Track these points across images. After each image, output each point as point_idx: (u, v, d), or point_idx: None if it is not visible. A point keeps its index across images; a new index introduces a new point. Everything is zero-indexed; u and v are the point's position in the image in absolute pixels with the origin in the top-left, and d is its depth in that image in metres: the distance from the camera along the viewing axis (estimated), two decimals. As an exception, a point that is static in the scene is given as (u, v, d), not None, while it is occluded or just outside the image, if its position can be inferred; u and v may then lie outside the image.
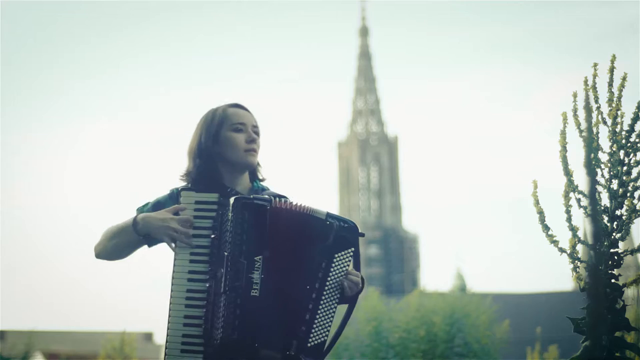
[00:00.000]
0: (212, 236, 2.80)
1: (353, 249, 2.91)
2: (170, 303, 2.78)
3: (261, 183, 3.12)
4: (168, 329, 2.76)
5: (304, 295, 2.82)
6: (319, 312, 2.83)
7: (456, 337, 12.68)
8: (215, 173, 3.00)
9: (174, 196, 2.97)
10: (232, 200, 2.79)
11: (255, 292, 2.72)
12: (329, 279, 2.86)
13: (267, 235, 2.77)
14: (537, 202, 3.07)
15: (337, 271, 2.87)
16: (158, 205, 2.98)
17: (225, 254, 2.74)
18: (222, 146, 3.00)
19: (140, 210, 2.98)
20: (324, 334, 2.84)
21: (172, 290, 2.79)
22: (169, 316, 2.78)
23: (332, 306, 2.87)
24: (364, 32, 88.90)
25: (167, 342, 2.76)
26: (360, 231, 2.92)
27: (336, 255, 2.88)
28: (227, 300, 2.71)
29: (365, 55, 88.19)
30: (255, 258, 2.74)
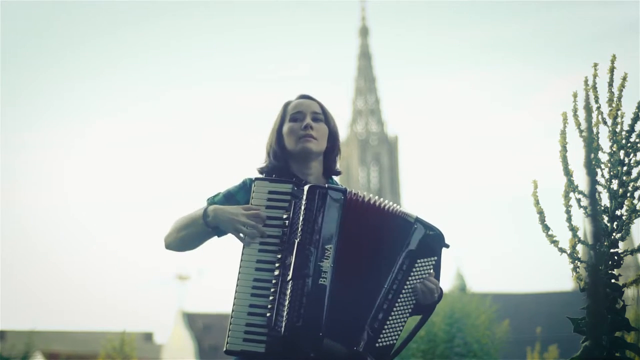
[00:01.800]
0: (285, 227, 2.74)
1: (436, 258, 2.88)
2: (236, 292, 2.71)
3: (337, 181, 3.08)
4: (232, 317, 2.70)
5: (379, 293, 2.77)
6: (392, 313, 2.79)
7: (456, 337, 12.68)
8: (285, 168, 2.97)
9: (246, 187, 2.92)
10: (306, 188, 2.74)
11: (324, 281, 2.66)
12: (407, 282, 2.82)
13: (340, 225, 2.71)
14: (537, 202, 3.07)
15: (417, 277, 2.83)
16: (229, 195, 2.93)
17: (296, 241, 2.69)
18: (285, 139, 2.98)
19: (211, 200, 2.93)
20: (393, 337, 2.80)
21: (238, 279, 2.73)
22: (233, 304, 2.71)
23: (407, 311, 2.83)
24: (364, 32, 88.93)
25: (229, 330, 2.69)
26: (446, 242, 2.88)
27: (418, 261, 2.84)
28: (293, 287, 2.65)
29: (365, 55, 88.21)
30: (326, 247, 2.68)
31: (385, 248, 2.80)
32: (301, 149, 2.94)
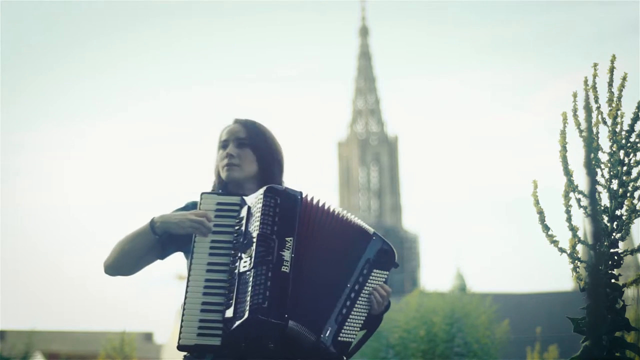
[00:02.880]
0: (235, 233, 2.79)
1: (387, 273, 2.96)
2: (187, 292, 2.73)
3: None
4: (183, 315, 2.71)
5: (343, 290, 2.84)
6: (354, 311, 2.85)
7: (456, 337, 12.69)
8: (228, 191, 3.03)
9: (188, 207, 2.97)
10: (263, 188, 2.78)
11: (286, 269, 2.70)
12: (366, 287, 2.89)
13: (299, 222, 2.77)
14: (537, 202, 3.07)
15: (373, 285, 2.91)
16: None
17: (256, 233, 2.72)
18: (217, 166, 3.06)
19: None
20: (352, 334, 2.86)
21: (188, 281, 2.75)
22: (184, 304, 2.72)
23: (365, 312, 2.89)
24: (364, 32, 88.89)
25: (181, 327, 2.70)
26: (396, 261, 2.98)
27: (375, 271, 2.92)
28: (256, 274, 2.67)
29: (365, 55, 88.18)
30: (287, 238, 2.73)
31: (347, 249, 2.88)
32: (226, 177, 3.01)
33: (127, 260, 2.90)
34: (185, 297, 2.72)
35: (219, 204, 2.84)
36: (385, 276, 2.94)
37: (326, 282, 2.81)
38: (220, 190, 3.02)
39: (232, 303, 2.68)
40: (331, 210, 2.86)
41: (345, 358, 2.85)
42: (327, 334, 2.77)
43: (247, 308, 2.63)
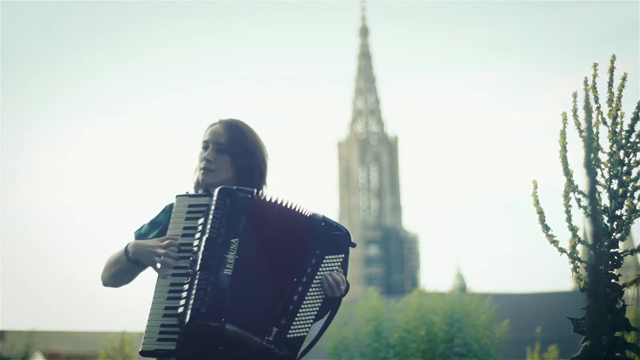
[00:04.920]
0: (198, 233, 2.84)
1: (343, 255, 2.96)
2: (152, 299, 2.82)
3: None
4: (148, 321, 2.80)
5: (289, 286, 2.87)
6: (302, 306, 2.87)
7: (456, 337, 12.68)
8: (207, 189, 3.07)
9: (166, 209, 3.04)
10: (217, 189, 2.85)
11: (228, 272, 2.77)
12: (316, 277, 2.91)
13: (247, 221, 2.82)
14: (537, 202, 3.07)
15: (326, 272, 2.92)
16: (153, 223, 3.04)
17: (205, 237, 2.80)
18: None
19: (137, 233, 3.05)
20: (304, 329, 2.88)
21: (155, 286, 2.84)
22: (150, 311, 2.81)
23: (316, 304, 2.91)
24: (364, 32, 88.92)
25: (144, 333, 2.79)
26: (352, 241, 2.97)
27: (326, 257, 2.93)
28: (200, 278, 2.76)
29: (365, 55, 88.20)
30: (232, 240, 2.79)
31: (294, 243, 2.91)
32: (199, 179, 3.05)
33: (117, 280, 3.03)
34: (151, 305, 2.82)
35: (190, 205, 2.90)
36: (340, 259, 2.95)
37: (272, 281, 2.85)
38: (199, 190, 3.05)
39: (186, 309, 2.76)
40: (283, 205, 2.89)
41: (298, 355, 2.89)
42: (272, 335, 2.82)
43: (189, 313, 2.73)
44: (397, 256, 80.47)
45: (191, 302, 2.74)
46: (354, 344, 13.19)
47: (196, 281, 2.76)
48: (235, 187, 2.87)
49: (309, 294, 2.89)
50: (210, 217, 2.81)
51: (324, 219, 2.93)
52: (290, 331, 2.85)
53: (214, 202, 2.82)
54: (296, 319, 2.86)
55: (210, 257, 2.77)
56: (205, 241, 2.78)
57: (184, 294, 2.78)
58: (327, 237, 2.93)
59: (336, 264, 2.94)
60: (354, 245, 2.98)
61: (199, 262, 2.77)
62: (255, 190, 2.87)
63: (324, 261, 2.92)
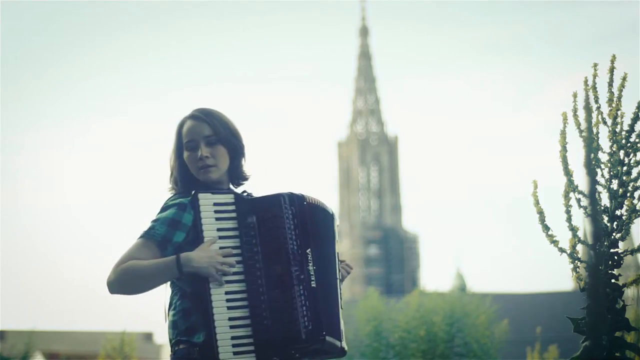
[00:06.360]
0: (239, 237, 2.81)
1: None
2: (212, 307, 2.73)
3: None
4: (216, 332, 2.71)
5: (338, 286, 2.94)
6: (341, 300, 2.96)
7: (456, 337, 12.69)
8: (195, 182, 2.97)
9: (185, 206, 2.86)
10: (274, 196, 2.83)
11: (313, 284, 2.81)
12: (341, 269, 3.01)
13: (311, 228, 2.86)
14: (537, 202, 3.07)
15: (341, 262, 3.03)
16: (174, 223, 2.84)
17: (284, 247, 2.78)
18: (189, 167, 2.96)
19: (158, 236, 2.84)
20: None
21: (211, 295, 2.74)
22: (214, 321, 2.72)
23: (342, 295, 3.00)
24: (364, 32, 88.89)
25: (219, 350, 2.70)
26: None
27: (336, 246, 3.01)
28: (293, 293, 2.76)
29: (365, 55, 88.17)
30: (307, 251, 2.82)
31: (331, 242, 2.96)
32: (204, 179, 2.93)
33: (143, 289, 2.85)
34: (212, 313, 2.72)
35: (216, 204, 2.82)
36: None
37: (331, 282, 2.90)
38: (193, 190, 2.93)
39: (268, 323, 2.74)
40: (317, 202, 2.92)
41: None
42: (342, 336, 2.90)
43: (298, 329, 2.74)
44: (397, 256, 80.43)
45: (290, 319, 2.74)
46: (354, 344, 13.17)
47: (291, 297, 2.75)
48: (290, 193, 2.85)
49: (341, 287, 2.97)
50: (279, 228, 2.78)
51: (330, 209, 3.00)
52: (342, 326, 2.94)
53: (280, 210, 2.80)
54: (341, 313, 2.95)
55: (300, 272, 2.79)
56: (286, 252, 2.78)
57: (256, 307, 2.74)
58: (335, 227, 2.98)
59: (337, 252, 3.00)
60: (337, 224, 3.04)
61: (285, 276, 2.77)
62: (302, 194, 2.87)
63: (337, 252, 3.00)
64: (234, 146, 2.97)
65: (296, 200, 2.84)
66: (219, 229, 2.80)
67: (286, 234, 2.78)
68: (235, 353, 2.71)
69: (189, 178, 2.97)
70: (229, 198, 2.84)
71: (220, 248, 2.78)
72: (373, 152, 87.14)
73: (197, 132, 2.94)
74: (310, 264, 2.80)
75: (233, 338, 2.71)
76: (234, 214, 2.82)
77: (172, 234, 2.82)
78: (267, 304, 2.74)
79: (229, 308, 2.73)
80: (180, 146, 2.99)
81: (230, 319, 2.72)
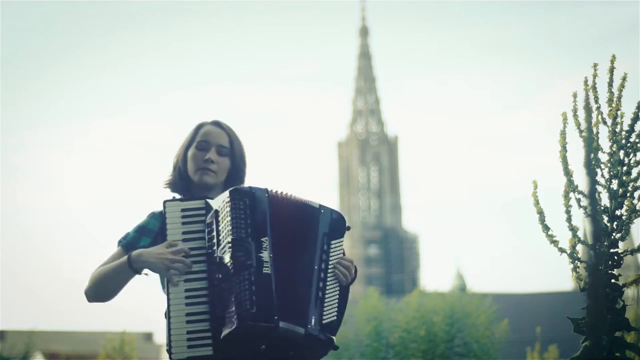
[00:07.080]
0: (205, 239, 2.83)
1: (343, 239, 3.01)
2: (170, 305, 2.78)
3: None
4: (170, 328, 2.76)
5: (314, 274, 2.88)
6: (327, 290, 2.91)
7: (456, 337, 12.69)
8: (188, 190, 3.08)
9: (155, 215, 3.02)
10: (228, 191, 2.83)
11: (267, 270, 2.77)
12: (330, 261, 2.95)
13: (269, 219, 2.83)
14: (537, 202, 3.07)
15: (334, 256, 2.96)
16: (140, 229, 3.02)
17: (230, 238, 2.77)
18: (188, 163, 3.09)
19: (124, 241, 3.01)
20: (334, 312, 2.91)
21: (169, 292, 2.80)
22: (170, 317, 2.77)
23: (336, 285, 2.94)
24: (364, 32, 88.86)
25: (171, 341, 2.75)
26: (347, 224, 3.01)
27: (332, 242, 2.97)
28: (239, 279, 2.73)
29: (365, 55, 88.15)
30: (262, 239, 2.79)
31: (308, 233, 2.92)
32: (198, 179, 3.05)
33: (109, 293, 2.98)
34: (169, 309, 2.78)
35: (183, 210, 2.88)
36: (342, 243, 2.99)
37: (301, 271, 2.87)
38: (177, 191, 3.07)
39: (218, 311, 2.74)
40: (291, 197, 2.92)
41: (334, 339, 2.90)
42: (312, 323, 2.83)
43: (236, 316, 2.69)
44: (397, 256, 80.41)
45: (234, 305, 2.71)
46: (354, 344, 13.18)
47: (235, 284, 2.73)
48: (249, 187, 2.87)
49: (329, 278, 2.92)
50: (229, 218, 2.78)
51: (321, 205, 2.98)
52: (324, 316, 2.87)
53: (228, 204, 2.80)
54: (326, 303, 2.89)
55: (246, 258, 2.75)
56: (233, 242, 2.76)
57: (211, 299, 2.75)
58: (329, 222, 2.96)
59: (340, 247, 2.98)
60: (349, 228, 3.02)
61: (233, 263, 2.74)
62: (267, 189, 2.87)
63: (332, 247, 2.96)
64: (239, 169, 3.12)
65: (256, 193, 2.83)
66: (184, 232, 2.85)
67: (232, 223, 2.77)
68: (189, 347, 2.73)
69: (184, 177, 3.09)
70: (199, 204, 2.88)
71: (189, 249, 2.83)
72: (373, 152, 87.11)
73: (215, 137, 3.08)
74: (265, 252, 2.77)
75: (189, 332, 2.74)
76: (202, 218, 2.87)
77: (137, 240, 2.99)
78: (221, 296, 2.75)
79: (187, 304, 2.77)
80: (190, 144, 3.10)
81: (187, 314, 2.76)
